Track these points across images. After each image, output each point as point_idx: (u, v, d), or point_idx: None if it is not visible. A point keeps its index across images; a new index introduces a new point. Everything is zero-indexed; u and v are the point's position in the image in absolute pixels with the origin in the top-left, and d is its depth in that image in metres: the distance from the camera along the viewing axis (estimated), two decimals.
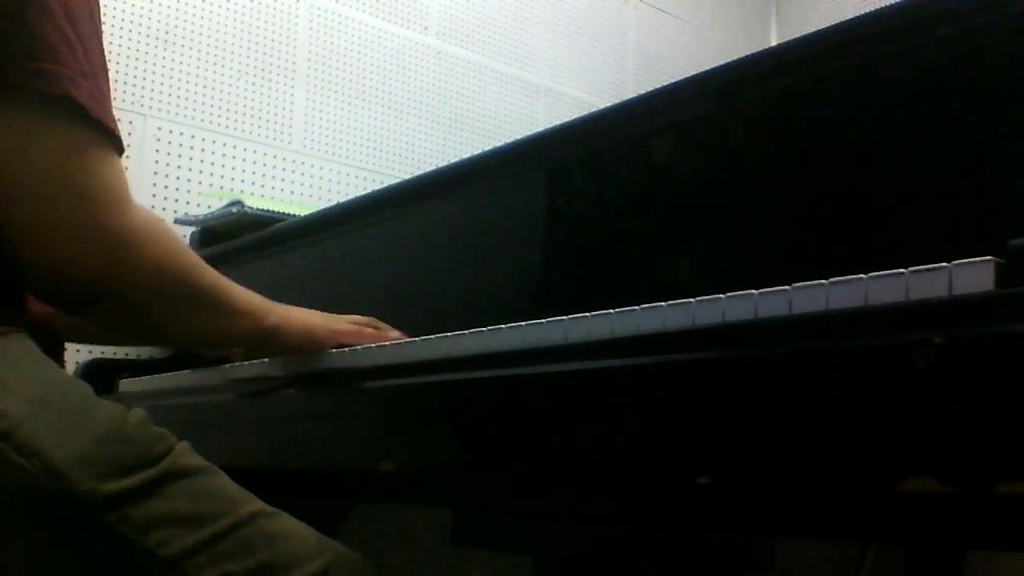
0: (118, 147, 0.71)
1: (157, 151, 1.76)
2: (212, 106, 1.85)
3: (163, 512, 0.65)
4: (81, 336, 1.15)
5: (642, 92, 0.92)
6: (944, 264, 0.45)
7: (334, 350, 0.90)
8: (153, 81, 1.77)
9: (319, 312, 0.94)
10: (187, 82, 1.82)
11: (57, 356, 0.76)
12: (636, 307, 0.61)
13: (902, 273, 0.46)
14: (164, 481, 0.66)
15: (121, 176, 0.71)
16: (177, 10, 1.82)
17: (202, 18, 1.86)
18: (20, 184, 0.66)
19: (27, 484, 0.61)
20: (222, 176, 1.85)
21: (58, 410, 0.65)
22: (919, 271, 0.46)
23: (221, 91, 1.87)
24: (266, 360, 0.98)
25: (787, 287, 0.51)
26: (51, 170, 0.66)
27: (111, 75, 0.75)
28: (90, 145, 0.68)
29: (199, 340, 0.97)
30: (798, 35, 0.78)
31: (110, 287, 0.70)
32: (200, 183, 1.81)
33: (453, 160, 1.15)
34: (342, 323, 0.94)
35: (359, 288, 1.21)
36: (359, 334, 0.93)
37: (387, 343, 0.87)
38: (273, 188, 1.92)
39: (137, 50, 1.76)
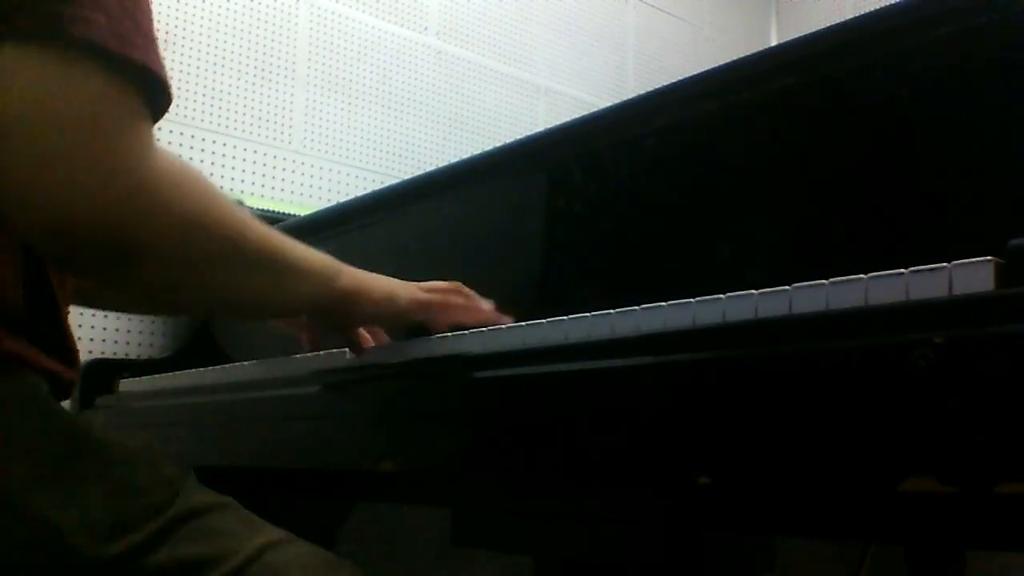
0: (155, 85, 0.60)
1: None
2: (212, 106, 1.85)
3: (170, 559, 0.62)
4: (111, 303, 1.04)
5: (642, 92, 0.92)
6: (944, 264, 0.45)
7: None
8: None
9: (395, 280, 0.83)
10: (187, 82, 1.82)
11: (64, 390, 0.69)
12: (636, 307, 0.61)
13: (902, 273, 0.46)
14: (171, 528, 0.63)
15: (144, 113, 0.60)
16: (177, 10, 1.82)
17: (202, 18, 1.86)
18: (10, 125, 0.55)
19: (31, 551, 0.58)
20: (222, 176, 1.85)
21: (62, 469, 0.61)
22: (919, 271, 0.46)
23: (221, 91, 1.87)
24: (331, 351, 0.88)
25: (787, 287, 0.51)
26: (41, 101, 0.55)
27: None
28: (107, 83, 0.57)
29: (255, 307, 0.79)
30: (798, 35, 0.78)
31: (130, 244, 0.58)
32: None
33: (453, 160, 1.15)
34: (424, 292, 0.83)
35: None
36: (445, 304, 0.82)
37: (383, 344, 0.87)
38: (273, 188, 1.92)
39: None
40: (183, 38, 1.82)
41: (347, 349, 0.86)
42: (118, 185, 0.57)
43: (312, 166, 1.97)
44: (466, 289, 0.85)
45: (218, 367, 1.11)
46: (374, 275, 0.80)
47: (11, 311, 0.64)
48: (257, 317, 0.97)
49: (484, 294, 0.86)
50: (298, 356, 0.93)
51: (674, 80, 0.87)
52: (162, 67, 0.60)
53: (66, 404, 0.70)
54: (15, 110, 0.54)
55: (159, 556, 0.62)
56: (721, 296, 0.55)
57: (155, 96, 0.60)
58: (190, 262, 0.63)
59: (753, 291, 0.53)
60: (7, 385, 0.61)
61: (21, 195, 0.56)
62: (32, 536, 0.58)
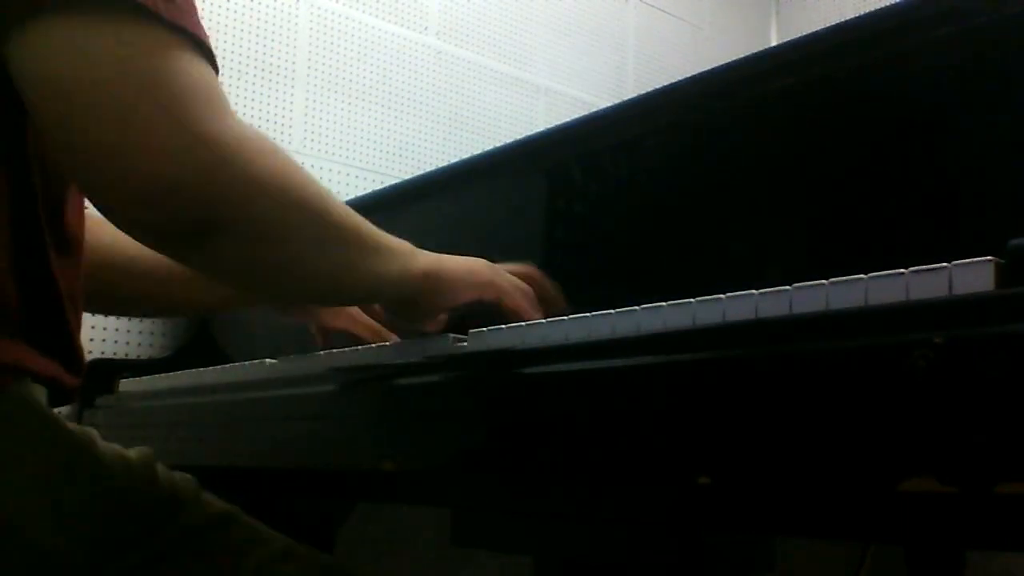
0: (207, 55, 0.59)
1: None
2: None
3: None
4: (147, 304, 0.99)
5: (642, 92, 0.92)
6: (944, 264, 0.45)
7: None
8: None
9: (467, 258, 0.77)
10: None
11: (66, 396, 0.67)
12: (636, 307, 0.61)
13: (902, 273, 0.46)
14: (171, 547, 0.62)
15: (213, 79, 0.58)
16: None
17: (202, 18, 1.86)
18: (86, 100, 0.53)
19: (29, 573, 0.57)
20: None
21: (61, 491, 0.59)
22: (919, 271, 0.46)
23: None
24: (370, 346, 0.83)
25: (787, 287, 0.51)
26: (121, 75, 0.53)
27: None
28: (168, 45, 0.55)
29: (333, 289, 0.71)
30: (798, 35, 0.78)
31: (214, 212, 0.56)
32: None
33: (453, 160, 1.15)
34: (506, 277, 0.77)
35: None
36: (514, 290, 0.77)
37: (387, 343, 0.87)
38: None
39: None
40: None
41: (348, 348, 0.85)
42: (204, 149, 0.54)
43: (312, 166, 1.97)
44: (539, 275, 0.80)
45: (218, 367, 1.11)
46: (447, 256, 0.75)
47: (4, 308, 0.62)
48: (333, 301, 0.85)
49: None
50: (298, 356, 0.93)
51: (674, 80, 0.87)
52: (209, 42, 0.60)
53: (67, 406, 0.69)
54: (97, 77, 0.53)
55: None
56: (721, 296, 0.55)
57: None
58: (273, 233, 0.59)
59: (753, 291, 0.53)
60: (2, 401, 0.59)
61: (107, 163, 0.53)
62: (30, 558, 0.57)
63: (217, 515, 0.66)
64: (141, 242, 0.60)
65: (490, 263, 0.77)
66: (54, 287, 0.66)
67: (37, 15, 0.52)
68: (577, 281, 0.92)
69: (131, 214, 0.56)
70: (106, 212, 0.57)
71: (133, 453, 0.66)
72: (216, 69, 0.59)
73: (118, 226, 0.59)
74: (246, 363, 1.03)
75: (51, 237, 0.66)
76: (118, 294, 0.87)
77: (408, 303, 0.75)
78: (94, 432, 0.65)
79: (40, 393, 0.62)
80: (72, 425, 0.63)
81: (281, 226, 0.60)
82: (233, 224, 0.57)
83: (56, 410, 0.65)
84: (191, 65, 0.56)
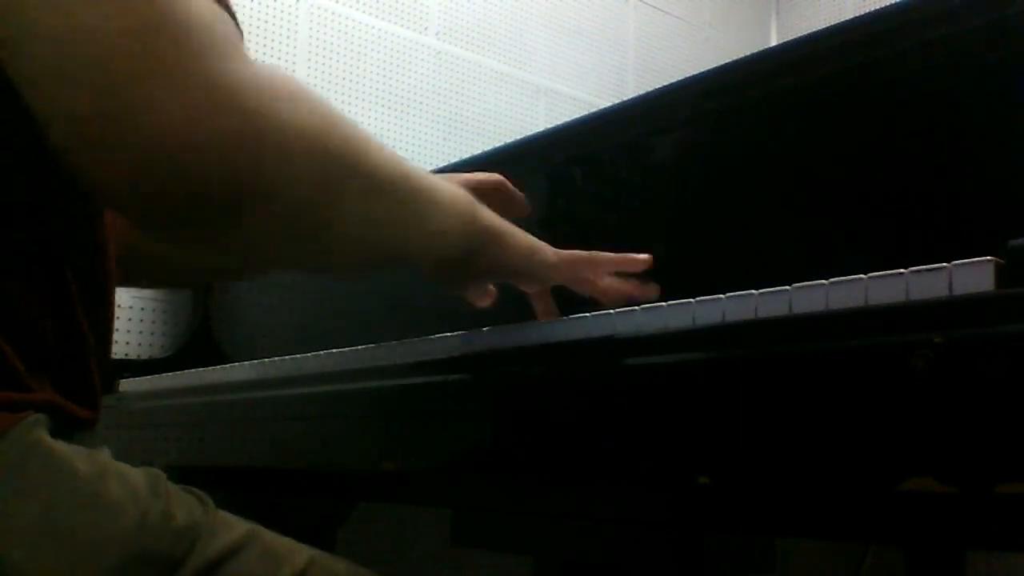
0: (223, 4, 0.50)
1: None
2: None
3: None
4: (192, 273, 0.90)
5: (642, 92, 0.92)
6: (944, 264, 0.45)
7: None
8: None
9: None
10: None
11: (76, 428, 0.62)
12: (636, 307, 0.61)
13: (902, 273, 0.46)
14: None
15: (228, 22, 0.49)
16: None
17: None
18: (87, 53, 0.44)
19: None
20: None
21: (67, 538, 0.55)
22: (919, 271, 0.46)
23: None
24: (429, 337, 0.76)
25: (787, 287, 0.51)
26: (125, 18, 0.44)
27: None
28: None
29: (380, 250, 0.61)
30: (798, 35, 0.78)
31: (244, 173, 0.46)
32: None
33: (453, 160, 1.15)
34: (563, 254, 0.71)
35: (358, 287, 1.21)
36: (593, 263, 0.71)
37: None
38: None
39: None
40: None
41: (348, 348, 0.85)
42: (223, 103, 0.45)
43: None
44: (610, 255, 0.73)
45: (218, 367, 1.11)
46: (509, 223, 0.66)
47: (37, 346, 0.57)
48: (380, 264, 0.70)
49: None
50: (298, 356, 0.93)
51: (674, 80, 0.87)
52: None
53: None
54: (76, 25, 0.44)
55: None
56: (721, 296, 0.55)
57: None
58: (311, 191, 0.51)
59: (753, 291, 0.53)
60: (9, 441, 0.54)
61: (101, 135, 0.45)
62: None
63: (236, 542, 0.62)
64: (161, 237, 0.52)
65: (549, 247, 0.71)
66: (79, 327, 0.62)
67: None
68: None
69: (139, 200, 0.47)
70: (116, 207, 0.51)
71: (142, 478, 0.61)
72: (232, 14, 0.50)
73: (131, 220, 0.53)
74: (246, 363, 1.03)
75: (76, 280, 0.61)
76: (132, 264, 0.78)
77: (459, 263, 0.66)
78: (104, 458, 0.60)
79: (44, 433, 0.56)
80: (81, 455, 0.58)
81: (318, 179, 0.50)
82: (266, 193, 0.48)
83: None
84: (221, 17, 0.48)
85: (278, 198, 0.49)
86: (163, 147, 0.44)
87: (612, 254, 0.73)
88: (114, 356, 1.58)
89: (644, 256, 0.72)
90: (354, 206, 0.54)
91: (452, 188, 0.62)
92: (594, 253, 0.72)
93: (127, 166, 0.45)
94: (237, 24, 0.50)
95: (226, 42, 0.47)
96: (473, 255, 0.65)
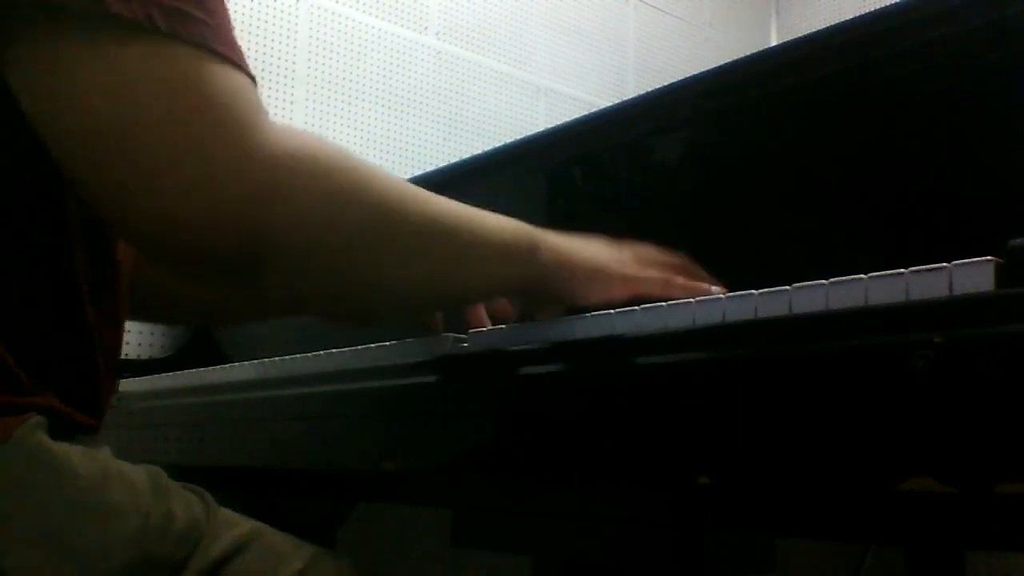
0: (241, 66, 0.52)
1: None
2: None
3: None
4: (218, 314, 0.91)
5: (642, 92, 0.92)
6: (944, 264, 0.45)
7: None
8: None
9: (601, 245, 0.68)
10: None
11: (79, 430, 0.61)
12: (636, 307, 0.61)
13: (902, 273, 0.46)
14: None
15: (250, 88, 0.51)
16: None
17: None
18: (87, 127, 0.47)
19: None
20: None
21: (70, 546, 0.55)
22: (919, 271, 0.46)
23: None
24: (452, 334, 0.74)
25: (787, 287, 0.51)
26: (146, 96, 0.47)
27: None
28: (199, 59, 0.49)
29: (424, 298, 0.63)
30: (798, 35, 0.78)
31: (274, 231, 0.49)
32: None
33: (453, 160, 1.15)
34: (639, 266, 0.68)
35: None
36: (665, 285, 0.66)
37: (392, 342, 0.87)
38: None
39: None
40: None
41: (347, 348, 0.85)
42: (254, 165, 0.49)
43: None
44: (692, 267, 0.70)
45: (218, 367, 1.11)
46: (578, 243, 0.67)
47: (42, 351, 0.57)
48: (429, 310, 0.74)
49: None
50: (298, 356, 0.93)
51: (674, 80, 0.87)
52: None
53: None
54: (145, 106, 0.47)
55: None
56: (721, 296, 0.55)
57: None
58: (339, 245, 0.53)
59: (753, 291, 0.53)
60: (11, 446, 0.54)
61: (128, 200, 0.48)
62: None
63: (237, 540, 0.62)
64: (184, 278, 0.55)
65: (632, 251, 0.69)
66: (89, 338, 0.62)
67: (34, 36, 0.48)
68: None
69: (164, 252, 0.51)
70: (137, 247, 0.53)
71: (143, 476, 0.61)
72: (250, 76, 0.53)
73: (151, 259, 0.55)
74: (246, 363, 1.03)
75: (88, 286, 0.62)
76: (154, 299, 0.82)
77: (527, 296, 0.69)
78: (105, 458, 0.60)
79: (45, 439, 0.56)
80: (82, 457, 0.58)
81: (347, 232, 0.53)
82: (294, 237, 0.50)
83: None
84: (219, 74, 0.50)
85: (303, 244, 0.51)
86: (220, 203, 0.48)
87: (688, 282, 0.68)
88: None
89: (717, 288, 0.68)
90: (386, 255, 0.56)
91: (511, 228, 0.63)
92: (671, 280, 0.67)
93: (151, 231, 0.49)
94: (252, 78, 0.53)
95: (253, 114, 0.50)
96: (533, 287, 0.66)
